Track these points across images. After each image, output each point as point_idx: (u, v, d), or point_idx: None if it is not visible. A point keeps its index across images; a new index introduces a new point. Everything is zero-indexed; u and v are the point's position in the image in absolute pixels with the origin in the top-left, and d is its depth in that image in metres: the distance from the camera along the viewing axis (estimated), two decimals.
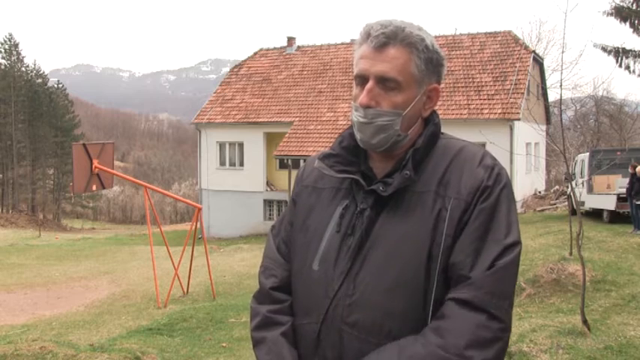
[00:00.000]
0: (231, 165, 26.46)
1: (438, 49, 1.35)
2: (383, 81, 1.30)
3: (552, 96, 36.70)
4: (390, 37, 1.29)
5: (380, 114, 1.31)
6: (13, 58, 51.25)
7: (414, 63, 1.31)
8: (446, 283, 1.26)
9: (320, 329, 1.32)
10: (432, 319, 1.25)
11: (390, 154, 1.37)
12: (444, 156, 1.34)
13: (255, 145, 25.51)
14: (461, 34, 24.65)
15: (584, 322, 5.57)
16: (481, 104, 21.14)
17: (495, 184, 1.28)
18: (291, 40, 28.80)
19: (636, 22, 20.49)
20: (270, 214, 25.35)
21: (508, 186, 1.31)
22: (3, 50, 50.92)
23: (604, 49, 21.38)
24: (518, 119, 19.78)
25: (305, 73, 26.91)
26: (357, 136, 1.36)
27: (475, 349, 1.18)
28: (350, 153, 1.40)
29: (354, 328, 1.28)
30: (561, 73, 7.28)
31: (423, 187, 1.30)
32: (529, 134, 18.93)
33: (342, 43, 27.93)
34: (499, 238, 1.25)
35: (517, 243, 1.27)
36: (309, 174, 1.50)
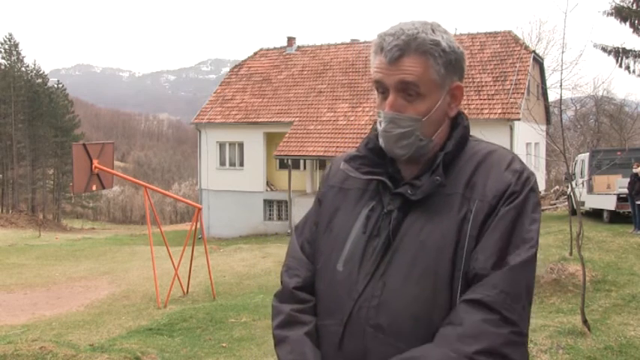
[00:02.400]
0: (231, 165, 26.46)
1: (455, 48, 1.32)
2: (404, 90, 1.29)
3: (552, 96, 36.71)
4: (403, 49, 1.27)
5: (400, 122, 1.29)
6: (13, 58, 51.25)
7: (433, 69, 1.29)
8: (469, 286, 1.23)
9: (343, 331, 1.31)
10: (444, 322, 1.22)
11: (416, 159, 1.35)
12: (472, 159, 1.32)
13: (255, 145, 25.51)
14: (461, 34, 24.64)
15: (585, 322, 5.57)
16: (481, 104, 21.14)
17: (523, 189, 1.26)
18: (291, 40, 28.80)
19: (636, 22, 20.49)
20: (270, 214, 25.36)
21: (535, 191, 1.29)
22: (3, 50, 50.95)
23: (604, 49, 21.39)
24: (518, 119, 19.78)
25: (305, 73, 26.91)
26: (382, 144, 1.35)
27: (485, 355, 1.14)
28: (376, 154, 1.39)
29: (378, 330, 1.26)
30: (561, 73, 7.31)
31: (450, 190, 1.29)
32: (529, 134, 18.93)
33: (342, 43, 27.94)
34: (518, 240, 1.23)
35: (533, 245, 1.24)
36: (335, 174, 1.49)
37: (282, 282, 1.49)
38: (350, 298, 1.30)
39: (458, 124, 1.37)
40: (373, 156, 1.39)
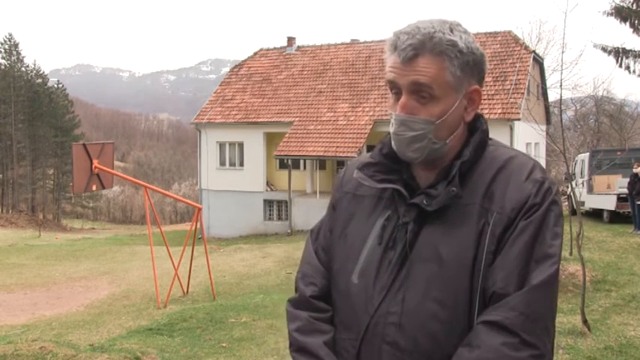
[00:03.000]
0: (231, 165, 26.46)
1: (474, 49, 1.26)
2: (417, 91, 1.24)
3: (552, 96, 36.66)
4: (418, 49, 1.22)
5: (412, 125, 1.25)
6: (13, 58, 51.26)
7: (448, 71, 1.23)
8: (487, 305, 1.19)
9: (360, 346, 1.27)
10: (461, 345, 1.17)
11: (432, 164, 1.30)
12: (491, 166, 1.26)
13: (255, 145, 25.51)
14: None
15: (585, 322, 5.57)
16: (481, 104, 21.10)
17: (544, 201, 1.20)
18: (291, 40, 28.80)
19: (636, 22, 20.49)
20: (270, 214, 25.36)
21: (557, 203, 1.23)
22: (3, 50, 50.97)
23: (604, 49, 21.39)
24: (519, 119, 19.78)
25: (305, 73, 26.91)
26: (394, 147, 1.30)
27: None
28: (392, 160, 1.34)
29: (394, 348, 1.22)
30: (561, 73, 7.32)
31: (468, 200, 1.23)
32: (529, 134, 18.93)
33: (342, 43, 27.93)
34: (539, 256, 1.17)
35: (555, 261, 1.18)
36: (350, 180, 1.43)
37: (297, 289, 1.45)
38: (366, 312, 1.26)
39: (476, 128, 1.32)
40: (388, 162, 1.34)
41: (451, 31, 1.24)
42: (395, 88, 1.27)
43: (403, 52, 1.22)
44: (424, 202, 1.25)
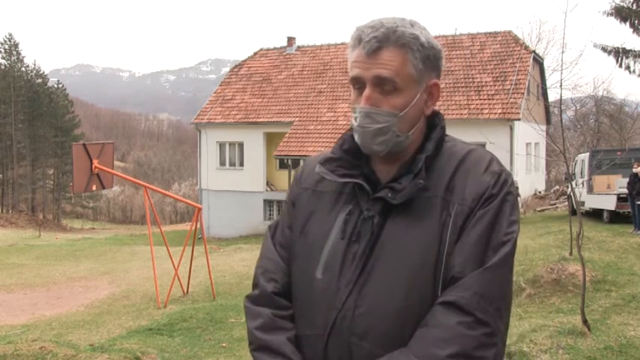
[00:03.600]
0: (231, 165, 26.47)
1: (434, 44, 1.31)
2: (380, 84, 1.26)
3: (552, 96, 36.71)
4: (382, 41, 1.25)
5: (376, 117, 1.27)
6: (13, 58, 51.26)
7: (411, 63, 1.27)
8: None
9: (327, 341, 1.27)
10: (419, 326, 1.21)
11: (393, 157, 1.33)
12: (451, 160, 1.30)
13: (255, 145, 25.52)
14: (461, 34, 24.64)
15: (585, 322, 5.57)
16: (481, 104, 21.14)
17: (500, 191, 1.25)
18: (291, 40, 28.81)
19: (636, 22, 20.49)
20: (270, 214, 25.35)
21: (513, 193, 1.28)
22: (3, 50, 50.96)
23: (604, 49, 21.38)
24: (518, 119, 19.78)
25: (305, 73, 26.91)
26: (357, 140, 1.32)
27: (458, 358, 1.14)
28: (352, 156, 1.36)
29: (363, 340, 1.24)
30: (561, 73, 7.31)
31: (431, 193, 1.26)
32: (529, 134, 18.93)
33: (342, 43, 27.90)
34: (496, 243, 1.22)
35: (510, 246, 1.22)
36: (309, 176, 1.44)
37: (257, 284, 1.43)
38: (333, 307, 1.26)
39: (435, 124, 1.35)
40: (349, 157, 1.36)
41: (412, 26, 1.28)
42: (358, 83, 1.29)
43: (368, 45, 1.25)
44: (389, 195, 1.26)
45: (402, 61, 1.26)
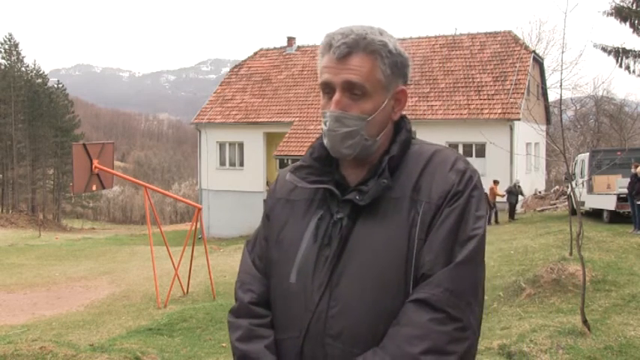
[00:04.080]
0: (231, 165, 26.47)
1: (401, 52, 1.34)
2: (350, 89, 1.29)
3: (552, 96, 36.71)
4: (352, 47, 1.28)
5: (345, 121, 1.30)
6: (13, 58, 51.27)
7: (380, 69, 1.30)
8: None
9: (302, 344, 1.30)
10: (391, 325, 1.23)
11: (362, 162, 1.36)
12: (418, 161, 1.33)
13: (255, 145, 25.52)
14: (461, 34, 24.64)
15: (585, 322, 5.57)
16: (481, 104, 21.14)
17: (466, 188, 1.28)
18: (291, 40, 28.81)
19: (636, 22, 20.49)
20: None
21: (478, 189, 1.31)
22: (3, 50, 50.97)
23: (604, 49, 21.38)
24: (519, 119, 19.78)
25: (305, 73, 26.91)
26: (327, 144, 1.35)
27: (431, 354, 1.16)
28: (322, 163, 1.39)
29: (337, 340, 1.26)
30: (561, 73, 7.32)
31: (398, 193, 1.29)
32: (529, 134, 18.94)
33: None
34: (463, 239, 1.24)
35: (477, 241, 1.25)
36: (282, 187, 1.48)
37: (236, 298, 1.47)
38: (307, 310, 1.29)
39: (401, 127, 1.39)
40: (319, 165, 1.39)
41: (380, 34, 1.32)
42: (328, 88, 1.33)
43: (338, 50, 1.29)
44: (357, 197, 1.30)
45: (371, 67, 1.29)
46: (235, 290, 1.49)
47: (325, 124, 1.33)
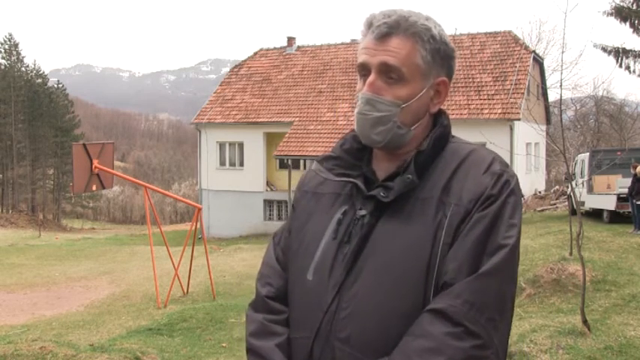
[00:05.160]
0: (231, 165, 26.46)
1: (446, 41, 1.26)
2: (386, 72, 1.22)
3: (552, 96, 36.70)
4: (392, 27, 1.21)
5: (377, 105, 1.23)
6: (13, 58, 51.22)
7: (419, 54, 1.22)
8: None
9: (312, 345, 1.23)
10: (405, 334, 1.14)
11: (394, 154, 1.28)
12: (452, 161, 1.24)
13: (255, 145, 25.51)
14: (461, 34, 24.63)
15: (585, 322, 5.57)
16: (481, 104, 21.14)
17: (501, 193, 1.17)
18: (291, 40, 28.80)
19: (636, 22, 20.48)
20: (270, 214, 25.36)
21: (515, 195, 1.20)
22: (3, 50, 50.92)
23: (604, 49, 21.38)
24: (519, 119, 19.78)
25: (305, 73, 26.91)
26: (356, 129, 1.28)
27: None
28: (352, 156, 1.32)
29: (346, 344, 1.18)
30: (561, 73, 7.32)
31: (427, 193, 1.21)
32: (529, 134, 18.93)
33: (342, 43, 27.93)
34: (492, 248, 1.14)
35: (508, 251, 1.14)
36: (311, 179, 1.42)
37: (255, 290, 1.43)
38: (319, 309, 1.23)
39: (437, 123, 1.31)
40: (348, 157, 1.32)
41: (426, 19, 1.25)
42: (364, 69, 1.26)
43: (377, 29, 1.22)
44: (381, 193, 1.22)
45: (410, 51, 1.22)
46: (255, 282, 1.45)
47: (357, 108, 1.26)
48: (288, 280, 1.37)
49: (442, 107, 1.34)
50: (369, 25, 1.25)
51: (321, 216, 1.33)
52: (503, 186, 1.19)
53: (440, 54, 1.25)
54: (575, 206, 9.26)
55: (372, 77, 1.23)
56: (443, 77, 1.29)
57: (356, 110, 1.26)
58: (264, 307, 1.37)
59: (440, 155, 1.26)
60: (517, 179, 1.23)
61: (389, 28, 1.22)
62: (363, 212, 1.25)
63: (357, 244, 1.23)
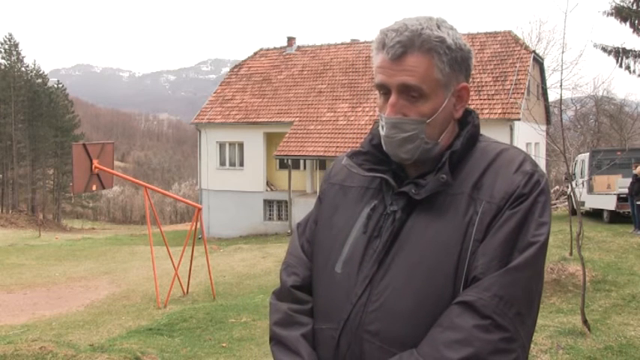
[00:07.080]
0: (231, 165, 26.46)
1: (462, 45, 1.27)
2: (406, 91, 1.23)
3: (552, 96, 36.66)
4: (406, 46, 1.21)
5: (403, 126, 1.24)
6: (13, 58, 51.22)
7: (437, 68, 1.23)
8: None
9: (340, 336, 1.25)
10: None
11: (423, 163, 1.29)
12: (482, 159, 1.26)
13: (255, 145, 25.51)
14: (461, 34, 24.62)
15: (585, 322, 5.57)
16: (481, 104, 21.14)
17: (531, 192, 1.20)
18: (291, 40, 28.80)
19: (636, 22, 20.49)
20: (270, 214, 25.36)
21: (545, 194, 1.22)
22: (3, 50, 50.92)
23: (604, 49, 21.39)
24: (519, 119, 19.78)
25: (305, 73, 26.91)
26: (385, 149, 1.29)
27: None
28: (380, 151, 1.33)
29: (375, 337, 1.21)
30: (561, 73, 7.32)
31: (457, 190, 1.22)
32: (529, 134, 18.92)
33: (342, 43, 27.93)
34: (522, 245, 1.17)
35: (538, 248, 1.17)
36: (338, 172, 1.43)
37: (280, 280, 1.45)
38: (348, 302, 1.25)
39: (468, 122, 1.32)
40: (377, 153, 1.33)
41: (438, 27, 1.24)
42: (383, 89, 1.26)
43: (392, 50, 1.22)
44: (413, 190, 1.24)
45: (427, 67, 1.22)
46: (280, 272, 1.46)
47: (382, 129, 1.27)
48: (313, 269, 1.39)
49: (468, 107, 1.35)
50: (382, 44, 1.24)
51: (348, 209, 1.35)
52: (534, 185, 1.21)
53: (457, 61, 1.26)
54: (575, 206, 9.26)
55: (393, 98, 1.24)
56: (463, 82, 1.30)
57: (383, 133, 1.28)
58: (289, 296, 1.39)
59: (470, 153, 1.28)
60: (547, 179, 1.26)
61: (403, 47, 1.21)
62: (394, 208, 1.27)
63: (387, 239, 1.25)
